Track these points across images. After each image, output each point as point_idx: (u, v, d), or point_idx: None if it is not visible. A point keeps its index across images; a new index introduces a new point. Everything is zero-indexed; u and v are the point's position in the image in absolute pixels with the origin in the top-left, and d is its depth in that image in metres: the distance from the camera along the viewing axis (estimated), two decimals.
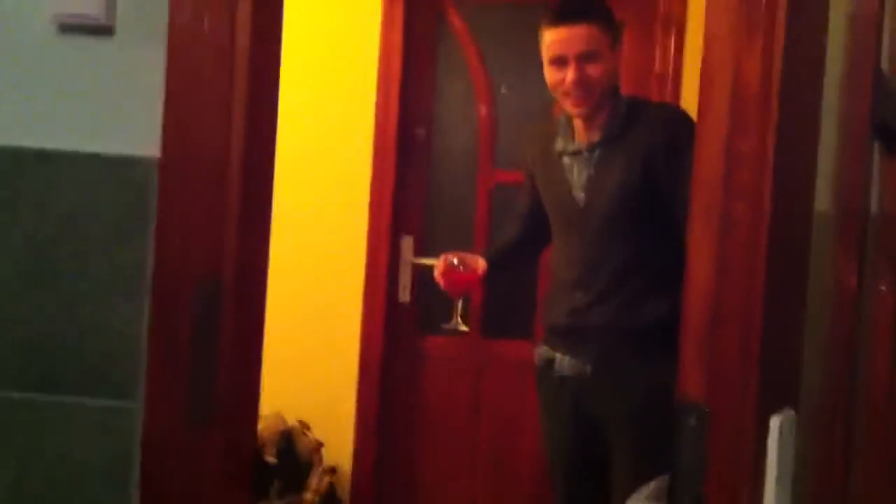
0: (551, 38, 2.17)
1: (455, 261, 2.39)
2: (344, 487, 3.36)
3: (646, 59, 3.17)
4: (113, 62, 1.23)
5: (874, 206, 1.31)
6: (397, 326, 3.41)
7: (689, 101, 2.77)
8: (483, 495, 3.43)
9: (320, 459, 3.29)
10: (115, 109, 1.23)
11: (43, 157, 1.22)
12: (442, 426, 3.45)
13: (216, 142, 1.23)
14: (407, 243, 3.39)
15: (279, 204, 1.36)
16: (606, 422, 2.24)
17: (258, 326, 1.34)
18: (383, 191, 3.34)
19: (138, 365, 1.23)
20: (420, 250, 3.40)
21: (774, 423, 0.93)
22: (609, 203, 2.19)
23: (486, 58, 3.39)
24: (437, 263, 2.41)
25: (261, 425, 2.96)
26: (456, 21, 3.38)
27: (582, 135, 2.25)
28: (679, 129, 2.08)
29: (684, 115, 2.20)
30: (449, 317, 2.46)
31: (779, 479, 0.92)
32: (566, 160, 2.28)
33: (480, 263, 2.42)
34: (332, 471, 3.31)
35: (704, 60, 0.97)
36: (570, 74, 2.15)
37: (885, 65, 1.30)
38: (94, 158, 1.22)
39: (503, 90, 3.41)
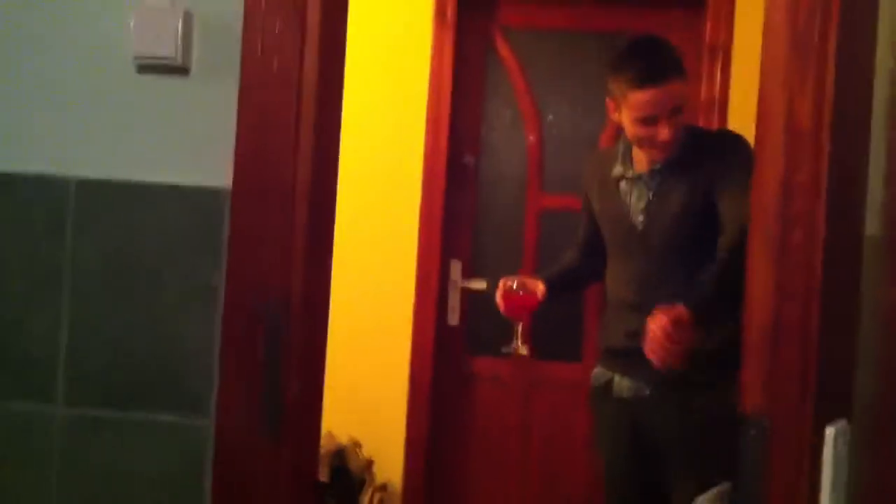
0: (640, 99, 2.16)
1: (514, 284, 2.42)
2: (395, 503, 3.40)
3: (693, 86, 3.19)
4: (188, 100, 1.31)
5: None
6: (446, 347, 3.47)
7: (736, 128, 2.79)
8: None
9: (372, 477, 3.34)
10: (191, 143, 1.31)
11: (125, 189, 1.31)
12: (490, 446, 3.48)
13: (284, 174, 1.29)
14: (456, 267, 3.45)
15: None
16: (665, 444, 2.25)
17: (322, 345, 1.40)
18: (432, 216, 3.40)
19: (211, 382, 1.29)
20: (469, 274, 3.46)
21: (829, 433, 0.97)
22: (668, 227, 2.22)
23: (534, 85, 3.45)
24: (498, 287, 2.44)
25: None
26: (504, 49, 3.44)
27: (642, 162, 2.28)
28: (738, 155, 2.12)
29: (742, 141, 2.22)
30: (508, 340, 2.48)
31: (833, 489, 0.96)
32: (624, 185, 2.31)
33: (539, 287, 2.44)
34: (384, 488, 3.36)
35: (760, 98, 1.02)
36: (663, 132, 2.16)
37: None
38: (172, 189, 1.30)
39: (550, 117, 3.46)
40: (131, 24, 1.29)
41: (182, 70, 1.30)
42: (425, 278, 3.41)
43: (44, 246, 1.31)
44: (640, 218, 2.27)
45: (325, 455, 3.12)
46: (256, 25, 1.28)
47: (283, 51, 1.28)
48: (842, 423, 1.01)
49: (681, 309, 1.97)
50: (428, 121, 3.38)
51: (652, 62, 2.17)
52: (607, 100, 2.26)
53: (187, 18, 1.29)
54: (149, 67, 1.30)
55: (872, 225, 1.24)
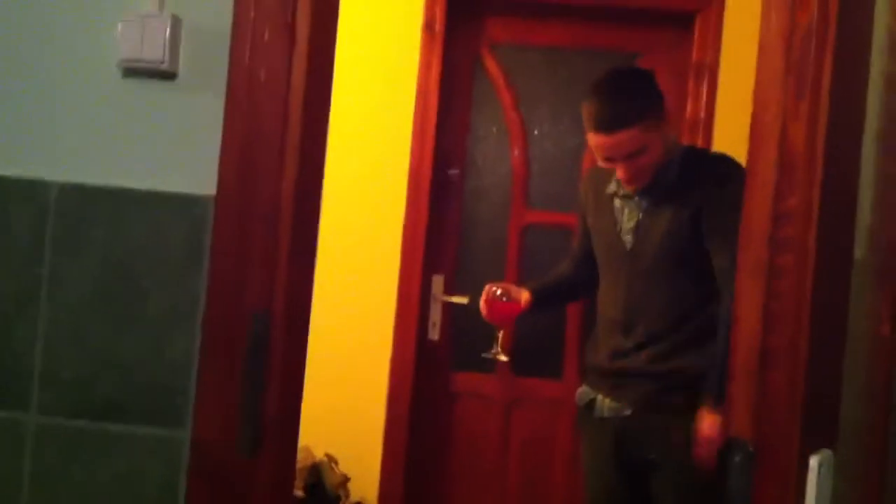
0: (595, 142, 2.18)
1: (499, 291, 2.43)
2: None
3: (678, 105, 3.20)
4: (174, 105, 1.29)
5: None
6: (426, 363, 3.44)
7: (722, 147, 2.80)
8: None
9: (347, 494, 3.31)
10: (175, 150, 1.29)
11: (106, 194, 1.28)
12: (470, 462, 3.46)
13: (269, 182, 1.28)
14: (438, 281, 3.43)
15: None
16: (648, 463, 2.25)
17: (302, 360, 1.38)
18: (416, 230, 3.38)
19: (190, 395, 1.27)
20: (451, 289, 3.44)
21: (814, 462, 0.97)
22: (656, 249, 2.22)
23: (521, 100, 3.45)
24: (483, 292, 2.44)
25: None
26: (491, 64, 3.44)
27: None
28: (733, 184, 2.11)
29: (739, 170, 2.21)
30: (489, 346, 2.50)
31: None
32: (617, 202, 2.31)
33: (524, 295, 2.45)
34: None
35: (754, 123, 1.02)
36: (620, 172, 2.20)
37: None
38: (154, 196, 1.28)
39: (536, 132, 3.46)
40: (119, 28, 1.27)
41: (169, 75, 1.29)
42: (407, 292, 3.39)
43: (23, 250, 1.28)
44: (629, 237, 2.27)
45: (301, 470, 3.09)
46: (245, 33, 1.26)
47: (271, 59, 1.27)
48: (826, 453, 1.01)
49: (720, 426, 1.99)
50: (414, 133, 3.37)
51: (607, 110, 2.14)
52: None
53: (175, 24, 1.27)
54: (135, 71, 1.28)
55: (860, 248, 1.24)
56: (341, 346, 3.36)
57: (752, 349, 0.97)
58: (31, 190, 1.28)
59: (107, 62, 1.28)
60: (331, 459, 3.29)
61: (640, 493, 2.28)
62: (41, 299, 1.28)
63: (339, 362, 3.35)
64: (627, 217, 2.28)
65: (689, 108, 3.24)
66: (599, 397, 2.33)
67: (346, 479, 3.32)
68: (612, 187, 2.33)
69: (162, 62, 1.27)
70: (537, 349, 3.42)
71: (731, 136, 2.95)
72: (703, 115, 3.20)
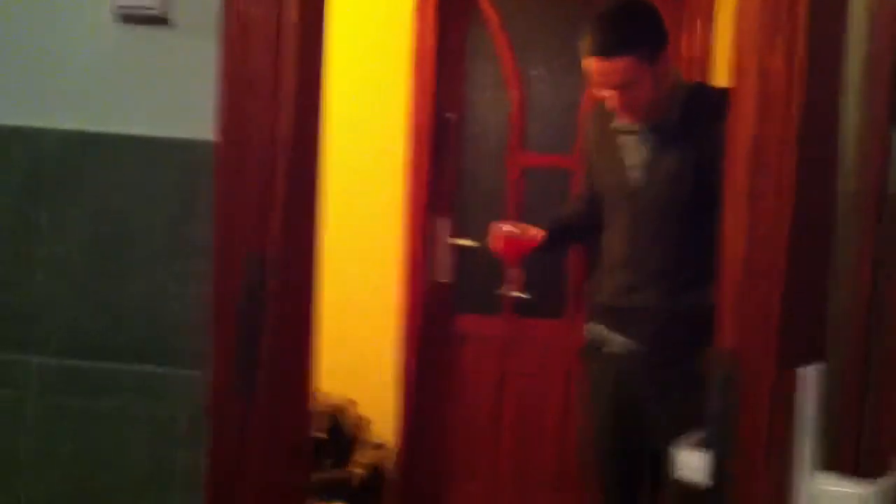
0: (588, 66, 2.18)
1: (512, 227, 2.44)
2: (390, 460, 3.46)
3: (674, 43, 3.19)
4: (169, 51, 1.31)
5: (893, 186, 1.37)
6: (434, 306, 3.49)
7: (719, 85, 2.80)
8: (507, 469, 3.53)
9: (366, 436, 3.39)
10: (172, 95, 1.31)
11: (106, 140, 1.31)
12: (474, 402, 3.53)
13: (266, 126, 1.30)
14: (443, 224, 3.46)
15: None
16: (648, 399, 2.27)
17: (306, 300, 1.40)
18: (419, 174, 3.40)
19: (191, 335, 1.30)
20: (455, 232, 3.48)
21: (802, 374, 1.01)
22: (663, 185, 2.22)
23: (516, 44, 3.45)
24: (494, 229, 2.45)
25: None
26: (486, 6, 3.43)
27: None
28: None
29: None
30: (493, 288, 2.50)
31: (808, 424, 1.00)
32: (622, 139, 2.31)
33: (538, 232, 2.47)
34: (379, 446, 3.41)
35: (735, 54, 1.05)
36: (610, 101, 2.19)
37: None
38: (152, 142, 1.31)
39: (534, 73, 3.46)
40: None
41: (162, 20, 1.30)
42: (412, 236, 3.42)
43: (22, 198, 1.31)
44: (636, 174, 2.27)
45: (321, 414, 3.16)
46: None
47: (263, 1, 1.28)
48: (814, 366, 1.05)
49: None
50: (414, 77, 3.37)
51: (604, 36, 2.15)
52: None
53: None
54: (130, 17, 1.30)
55: (850, 182, 1.27)
56: (352, 292, 3.41)
57: (735, 263, 1.03)
58: (28, 138, 1.30)
59: (101, 8, 1.30)
60: (350, 403, 3.37)
61: (638, 426, 2.30)
62: (42, 246, 1.31)
63: (351, 308, 3.40)
64: (633, 153, 2.28)
65: (684, 45, 3.24)
66: (608, 333, 2.35)
67: (365, 422, 3.40)
68: (616, 122, 2.34)
69: (155, 7, 1.29)
70: (540, 289, 3.47)
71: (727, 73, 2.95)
72: (698, 52, 3.19)
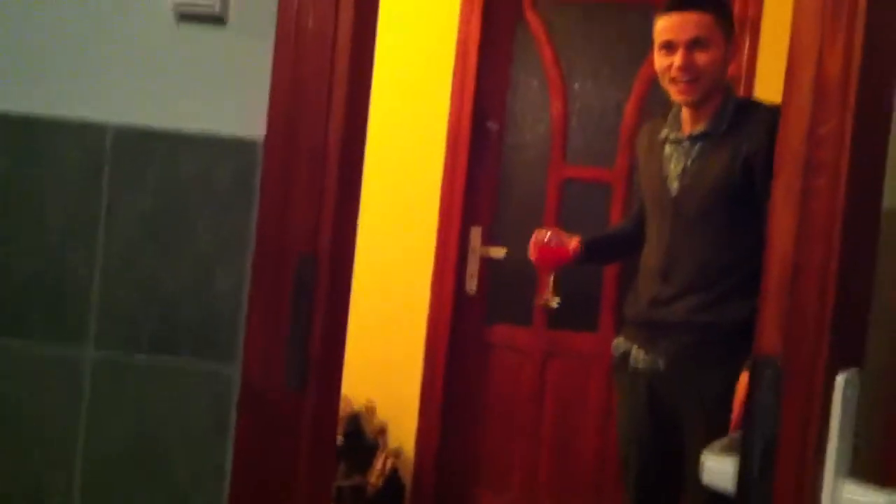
0: (662, 25, 2.21)
1: (548, 235, 2.44)
2: (407, 468, 3.45)
3: None
4: (225, 50, 1.33)
5: None
6: (463, 315, 3.49)
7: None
8: (545, 482, 3.49)
9: (385, 442, 3.39)
10: (226, 93, 1.33)
11: (162, 136, 1.33)
12: (504, 413, 3.52)
13: (317, 126, 1.31)
14: (476, 234, 3.47)
15: None
16: (680, 414, 2.26)
17: (345, 302, 1.42)
18: (455, 181, 3.41)
19: (240, 331, 1.32)
20: (488, 241, 3.48)
21: (840, 380, 1.00)
22: (702, 196, 2.21)
23: (561, 55, 3.45)
24: (532, 237, 2.45)
25: None
26: (532, 18, 3.44)
27: (687, 125, 2.28)
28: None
29: None
30: (525, 299, 2.49)
31: (841, 431, 0.99)
32: (667, 149, 2.31)
33: (574, 241, 2.46)
34: (397, 453, 3.41)
35: (791, 49, 1.05)
36: (677, 60, 2.18)
37: None
38: (207, 138, 1.32)
39: (576, 86, 3.46)
40: None
41: (219, 20, 1.32)
42: (445, 244, 3.43)
43: (81, 190, 1.33)
44: (675, 184, 2.27)
45: (341, 418, 3.17)
46: None
47: (319, 6, 1.30)
48: (853, 371, 1.03)
49: None
50: (454, 86, 3.39)
51: None
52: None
53: None
54: (188, 16, 1.32)
55: (892, 198, 1.25)
56: (380, 297, 3.42)
57: (783, 267, 1.01)
58: (88, 132, 1.33)
59: (161, 6, 1.32)
60: (369, 409, 3.37)
61: (673, 445, 2.28)
62: (98, 240, 1.33)
63: (378, 313, 3.40)
64: (675, 163, 2.28)
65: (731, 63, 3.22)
66: (634, 349, 2.34)
67: (384, 428, 3.40)
68: (664, 132, 2.33)
69: (213, 7, 1.31)
70: (573, 302, 3.45)
71: (772, 91, 2.93)
72: (744, 70, 3.17)
